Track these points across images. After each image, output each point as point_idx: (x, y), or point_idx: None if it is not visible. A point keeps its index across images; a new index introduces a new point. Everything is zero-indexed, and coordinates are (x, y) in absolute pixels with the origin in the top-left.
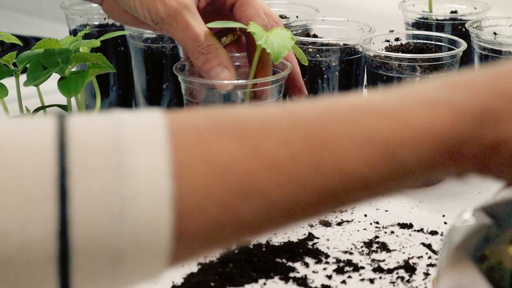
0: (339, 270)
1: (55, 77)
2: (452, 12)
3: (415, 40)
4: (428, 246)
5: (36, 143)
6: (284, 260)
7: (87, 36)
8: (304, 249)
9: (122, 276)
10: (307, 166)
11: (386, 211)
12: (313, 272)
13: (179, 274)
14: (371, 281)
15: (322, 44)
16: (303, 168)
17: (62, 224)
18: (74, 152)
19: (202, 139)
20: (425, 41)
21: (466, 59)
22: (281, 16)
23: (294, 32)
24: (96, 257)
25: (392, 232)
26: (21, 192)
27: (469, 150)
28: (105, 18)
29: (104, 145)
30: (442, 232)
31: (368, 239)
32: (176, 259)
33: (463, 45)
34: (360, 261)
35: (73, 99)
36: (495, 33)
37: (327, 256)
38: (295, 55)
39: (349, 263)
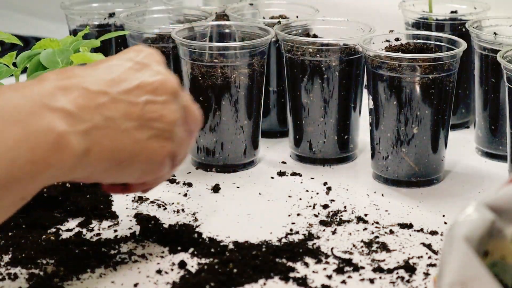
0: (339, 270)
1: None
2: (452, 12)
3: (415, 40)
4: (428, 246)
5: None
6: (284, 260)
7: (87, 36)
8: (304, 249)
9: None
10: None
11: (386, 211)
12: (313, 272)
13: (179, 274)
14: (371, 281)
15: (322, 44)
16: None
17: None
18: None
19: None
20: (425, 41)
21: (466, 59)
22: (281, 16)
23: (294, 32)
24: None
25: (392, 232)
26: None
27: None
28: (105, 18)
29: None
30: (442, 232)
31: (368, 239)
32: None
33: (463, 45)
34: (360, 261)
35: None
36: (495, 33)
37: (327, 256)
38: None
39: (349, 263)
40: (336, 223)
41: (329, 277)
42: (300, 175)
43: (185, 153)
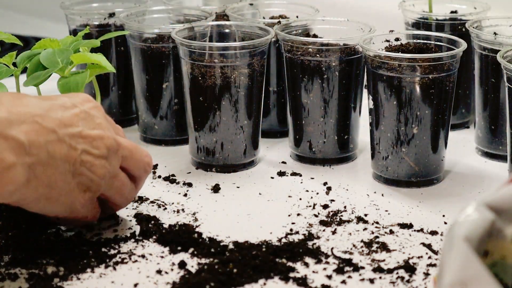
0: (339, 270)
1: (55, 77)
2: (452, 12)
3: (415, 40)
4: (428, 246)
5: None
6: (284, 260)
7: (87, 36)
8: (304, 249)
9: None
10: None
11: (386, 211)
12: (313, 272)
13: (179, 274)
14: (371, 281)
15: (322, 44)
16: None
17: None
18: None
19: None
20: (425, 41)
21: (466, 59)
22: (281, 16)
23: (294, 32)
24: None
25: (392, 232)
26: None
27: None
28: (105, 18)
29: None
30: (442, 232)
31: (368, 239)
32: None
33: (463, 45)
34: (360, 261)
35: None
36: (495, 33)
37: (327, 256)
38: None
39: (349, 263)
40: (336, 223)
41: (329, 277)
42: (300, 175)
43: (126, 199)
